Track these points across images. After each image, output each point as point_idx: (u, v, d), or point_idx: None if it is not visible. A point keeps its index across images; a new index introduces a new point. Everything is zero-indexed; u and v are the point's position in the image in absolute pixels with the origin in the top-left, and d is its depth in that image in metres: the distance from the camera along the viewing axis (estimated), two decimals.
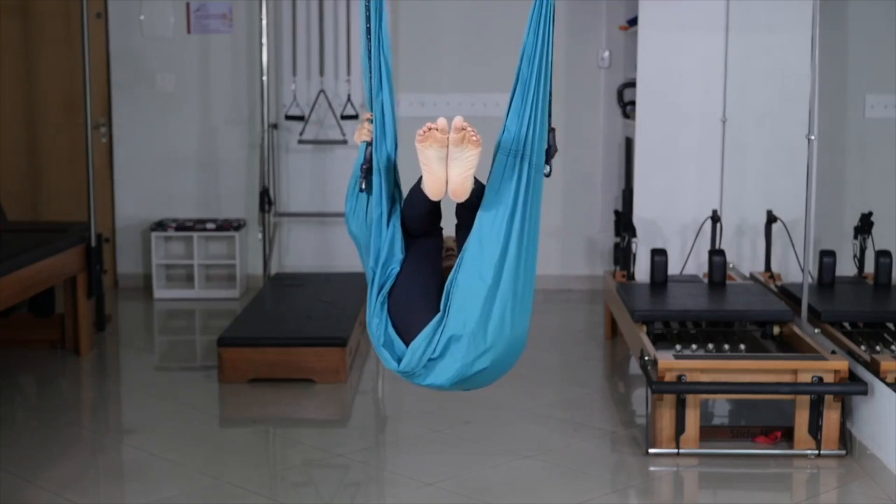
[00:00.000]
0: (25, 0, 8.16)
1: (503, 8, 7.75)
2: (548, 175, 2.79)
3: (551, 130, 2.81)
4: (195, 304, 8.02)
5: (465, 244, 2.72)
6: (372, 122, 2.84)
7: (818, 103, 5.28)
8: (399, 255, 2.83)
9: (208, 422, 5.54)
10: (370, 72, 2.84)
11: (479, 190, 2.73)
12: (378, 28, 2.80)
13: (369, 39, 2.82)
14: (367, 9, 2.81)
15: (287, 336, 6.03)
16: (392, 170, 2.84)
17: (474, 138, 2.62)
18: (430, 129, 2.63)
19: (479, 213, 2.71)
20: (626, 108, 7.68)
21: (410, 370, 2.79)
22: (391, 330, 2.82)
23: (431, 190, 2.69)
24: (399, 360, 2.81)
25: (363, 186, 2.87)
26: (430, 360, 2.75)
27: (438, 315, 2.73)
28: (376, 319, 2.83)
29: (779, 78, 6.61)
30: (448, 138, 2.63)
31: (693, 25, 6.74)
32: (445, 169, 2.66)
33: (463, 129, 2.62)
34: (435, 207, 2.80)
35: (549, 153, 2.80)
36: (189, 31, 8.30)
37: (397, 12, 7.89)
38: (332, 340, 5.93)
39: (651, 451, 4.82)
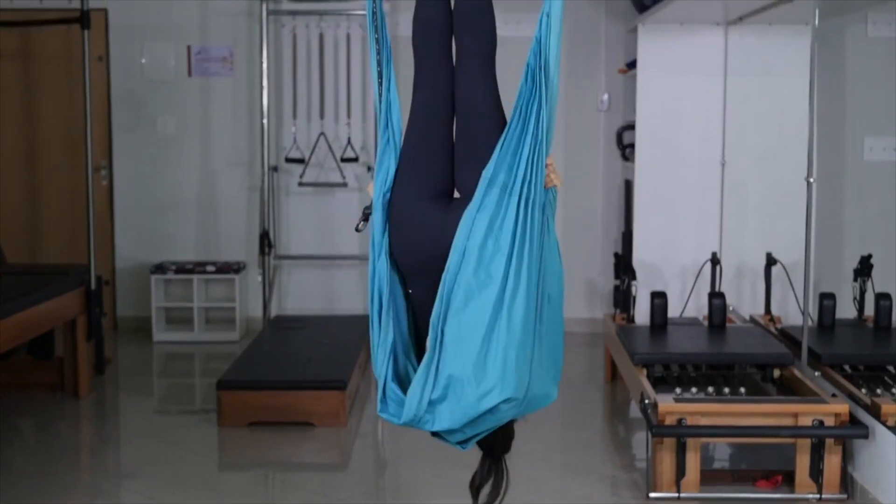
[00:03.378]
0: (27, 42, 8.21)
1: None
2: None
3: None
4: (195, 346, 8.01)
5: (453, 278, 2.73)
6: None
7: (817, 146, 5.29)
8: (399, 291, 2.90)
9: (207, 466, 5.52)
10: (379, 77, 2.97)
11: None
12: (384, 36, 2.96)
13: (378, 48, 2.97)
14: (374, 16, 2.95)
15: (286, 379, 6.02)
16: (384, 210, 2.92)
17: None
18: None
19: (471, 246, 2.74)
20: (626, 150, 7.70)
21: (413, 416, 2.77)
22: (399, 357, 2.85)
23: None
24: (401, 404, 2.80)
25: (361, 228, 3.02)
26: (430, 402, 2.75)
27: (428, 353, 2.74)
28: (381, 352, 2.85)
29: (777, 120, 6.63)
30: None
31: (692, 68, 6.77)
32: None
33: None
34: None
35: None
36: (190, 75, 8.34)
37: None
38: (332, 384, 5.92)
39: (652, 495, 4.80)
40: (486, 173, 2.76)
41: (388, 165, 2.94)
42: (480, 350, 2.70)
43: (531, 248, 2.75)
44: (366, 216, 3.03)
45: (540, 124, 2.77)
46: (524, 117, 2.78)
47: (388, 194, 2.92)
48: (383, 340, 2.86)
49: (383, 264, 2.89)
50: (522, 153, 2.77)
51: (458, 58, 2.97)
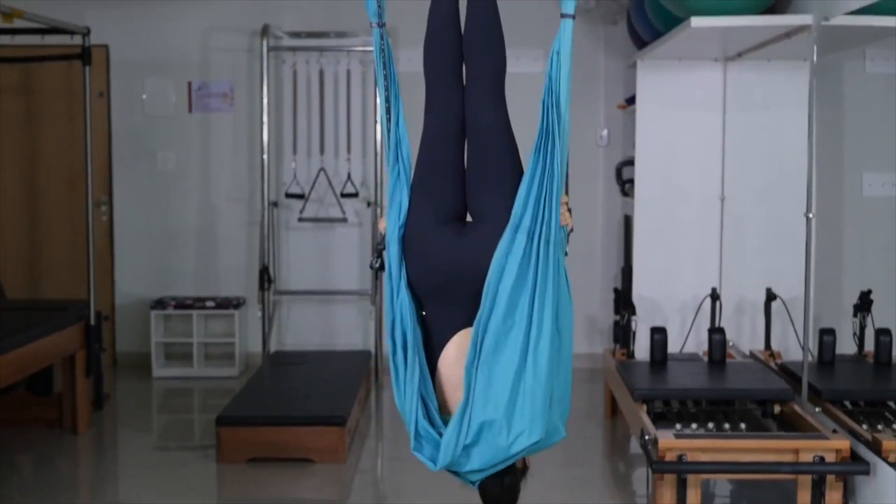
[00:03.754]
0: (28, 78, 8.24)
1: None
2: (565, 254, 2.90)
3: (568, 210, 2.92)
4: (194, 382, 7.99)
5: (485, 325, 2.77)
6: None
7: (816, 181, 5.30)
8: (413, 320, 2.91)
9: (207, 502, 5.49)
10: (388, 113, 3.00)
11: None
12: (391, 71, 2.99)
13: (386, 84, 2.99)
14: (382, 52, 2.98)
15: (285, 415, 6.01)
16: (400, 242, 2.94)
17: None
18: None
19: (503, 291, 2.77)
20: (625, 185, 7.71)
21: (449, 463, 2.81)
22: (428, 395, 2.85)
23: None
24: (436, 446, 2.81)
25: (375, 265, 3.04)
26: (465, 447, 2.78)
27: (462, 401, 2.77)
28: (408, 390, 2.85)
29: (776, 156, 6.65)
30: None
31: (691, 104, 6.78)
32: None
33: None
34: (453, 1, 3.03)
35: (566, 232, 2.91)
36: (190, 110, 8.37)
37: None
38: (332, 419, 5.90)
39: None
40: (514, 219, 2.80)
41: (401, 199, 2.96)
42: (511, 395, 2.74)
43: (549, 288, 2.79)
44: (379, 252, 3.03)
45: (555, 162, 2.81)
46: (542, 156, 2.81)
47: (403, 228, 2.94)
48: (410, 379, 2.85)
49: (404, 297, 2.90)
50: (542, 192, 2.80)
51: (469, 82, 3.01)
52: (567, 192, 2.94)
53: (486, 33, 3.00)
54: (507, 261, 2.78)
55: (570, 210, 2.93)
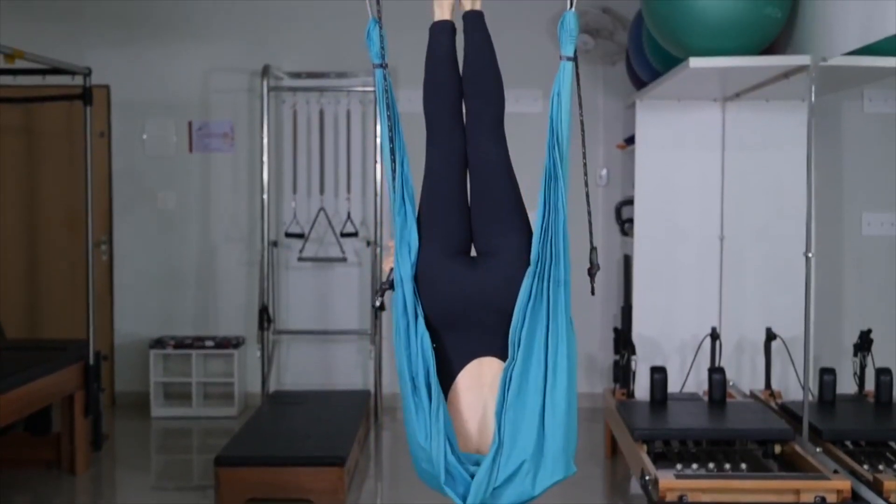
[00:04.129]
0: (29, 118, 8.27)
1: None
2: (592, 294, 2.96)
3: (593, 249, 2.99)
4: (193, 422, 7.97)
5: (509, 372, 2.79)
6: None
7: (815, 221, 5.30)
8: (429, 354, 2.89)
9: None
10: (392, 154, 2.98)
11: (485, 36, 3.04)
12: (394, 112, 2.99)
13: (389, 124, 2.98)
14: (386, 93, 2.98)
15: (285, 455, 5.98)
16: (413, 280, 2.93)
17: None
18: None
19: (526, 336, 2.80)
20: (625, 225, 7.72)
21: (480, 502, 2.79)
22: (450, 435, 2.83)
23: (444, 6, 3.09)
24: (465, 483, 2.81)
25: (378, 304, 3.02)
26: (495, 489, 2.78)
27: (493, 445, 2.77)
28: (434, 430, 2.82)
29: (775, 195, 6.66)
30: None
31: (690, 144, 6.80)
32: None
33: None
34: (451, 42, 3.08)
35: (591, 271, 2.97)
36: (191, 150, 8.40)
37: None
38: (331, 459, 5.87)
39: None
40: (532, 267, 2.82)
41: (410, 239, 2.96)
42: (537, 438, 2.76)
43: (561, 328, 2.83)
44: (382, 291, 3.03)
45: (559, 202, 2.83)
46: (548, 196, 2.83)
47: (415, 266, 2.94)
48: (435, 417, 2.82)
49: (423, 333, 2.88)
50: (549, 232, 2.83)
51: (470, 119, 3.04)
52: (591, 232, 2.99)
53: (485, 74, 3.02)
54: (528, 306, 2.80)
55: (594, 248, 2.99)
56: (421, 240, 2.96)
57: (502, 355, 2.85)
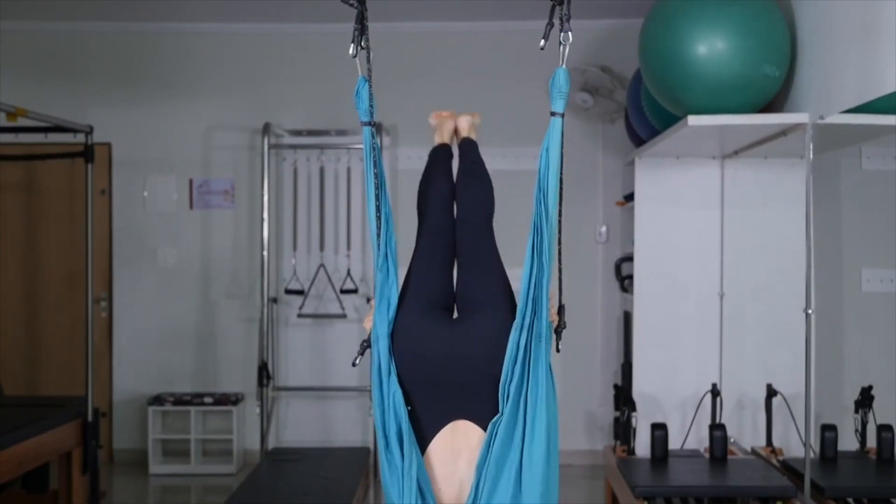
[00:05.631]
0: (31, 175, 8.30)
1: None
2: (557, 350, 2.94)
3: (561, 307, 2.97)
4: (191, 479, 7.93)
5: (496, 427, 2.80)
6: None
7: (815, 277, 5.31)
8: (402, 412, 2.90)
9: None
10: (377, 212, 3.02)
11: (477, 160, 3.42)
12: (381, 170, 3.03)
13: (376, 182, 3.01)
14: (373, 150, 3.01)
15: None
16: (388, 337, 2.95)
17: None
18: (441, 114, 3.69)
19: (512, 393, 2.82)
20: (624, 282, 7.72)
21: None
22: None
23: (444, 133, 3.57)
24: None
25: (357, 362, 3.05)
26: None
27: (470, 500, 2.78)
28: (406, 482, 2.82)
29: (775, 252, 6.67)
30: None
31: (689, 201, 6.82)
32: (454, 122, 3.62)
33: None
34: (448, 158, 3.47)
35: (558, 329, 2.95)
36: (191, 207, 8.42)
37: (401, 64, 8.00)
38: None
39: None
40: (518, 320, 2.85)
41: (390, 295, 2.98)
42: (514, 494, 2.75)
43: (540, 384, 2.84)
44: (363, 350, 3.05)
45: (543, 257, 2.83)
46: (534, 252, 2.84)
47: (392, 324, 2.95)
48: (408, 469, 2.82)
49: (396, 390, 2.89)
50: (533, 287, 2.84)
51: (461, 217, 3.22)
52: (560, 290, 2.96)
53: (477, 184, 3.31)
54: (513, 369, 2.81)
55: (562, 306, 2.98)
56: (403, 299, 2.98)
57: (476, 418, 2.85)
